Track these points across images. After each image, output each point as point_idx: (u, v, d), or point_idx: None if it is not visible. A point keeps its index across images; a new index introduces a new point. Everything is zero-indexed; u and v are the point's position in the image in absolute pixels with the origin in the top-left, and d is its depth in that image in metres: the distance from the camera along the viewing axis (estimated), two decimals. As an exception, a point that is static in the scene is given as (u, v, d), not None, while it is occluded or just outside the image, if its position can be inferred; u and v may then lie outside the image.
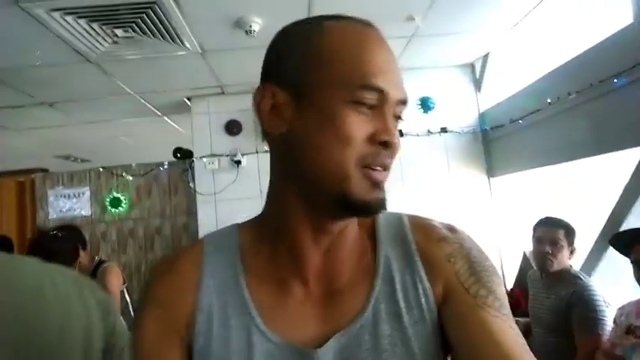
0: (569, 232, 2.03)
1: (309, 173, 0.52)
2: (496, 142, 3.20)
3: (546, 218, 2.12)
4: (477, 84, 3.37)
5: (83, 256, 2.35)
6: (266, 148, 2.69)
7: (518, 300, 2.82)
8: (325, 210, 0.54)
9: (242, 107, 3.26)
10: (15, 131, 3.71)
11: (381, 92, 0.51)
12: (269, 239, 0.59)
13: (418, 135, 3.18)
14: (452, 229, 0.64)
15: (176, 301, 0.57)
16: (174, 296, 0.57)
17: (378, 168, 0.51)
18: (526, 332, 2.19)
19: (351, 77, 0.50)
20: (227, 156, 3.28)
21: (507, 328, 0.52)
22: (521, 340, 0.52)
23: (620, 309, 1.80)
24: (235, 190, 3.26)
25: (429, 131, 3.21)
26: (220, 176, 3.29)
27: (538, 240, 2.09)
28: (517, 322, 1.94)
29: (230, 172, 3.28)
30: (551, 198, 2.90)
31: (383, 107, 0.51)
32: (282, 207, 0.57)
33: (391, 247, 0.60)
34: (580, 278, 1.96)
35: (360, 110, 0.50)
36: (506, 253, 3.20)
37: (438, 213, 2.59)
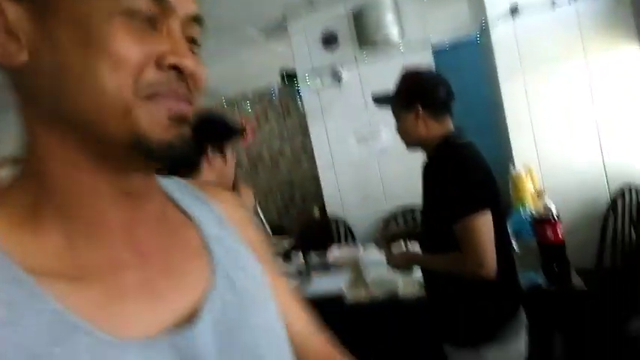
0: None
1: (78, 113, 0.39)
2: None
3: None
4: None
5: None
6: (372, 54, 2.61)
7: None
8: (116, 160, 0.41)
9: (334, 15, 3.17)
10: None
11: (160, 0, 0.40)
12: (54, 218, 0.41)
13: (539, 12, 2.65)
14: (231, 193, 0.61)
15: None
16: None
17: (169, 99, 0.41)
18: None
19: None
20: (328, 73, 3.26)
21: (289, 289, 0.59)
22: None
23: None
24: (340, 105, 3.28)
25: (552, 3, 2.63)
26: (325, 93, 3.32)
27: None
28: None
29: (333, 89, 3.28)
30: None
31: (167, 21, 0.41)
32: (58, 169, 0.41)
33: (198, 211, 0.52)
34: None
35: (133, 25, 0.39)
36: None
37: (579, 98, 2.29)
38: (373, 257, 2.35)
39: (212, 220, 0.53)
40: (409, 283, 2.02)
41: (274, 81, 3.51)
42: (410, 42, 3.08)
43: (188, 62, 0.40)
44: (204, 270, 0.47)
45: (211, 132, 1.35)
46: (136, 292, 0.42)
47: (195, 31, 0.43)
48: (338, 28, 3.20)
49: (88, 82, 0.38)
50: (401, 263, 1.55)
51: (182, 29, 0.42)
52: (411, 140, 1.49)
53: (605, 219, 2.62)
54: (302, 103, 3.42)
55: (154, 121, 0.39)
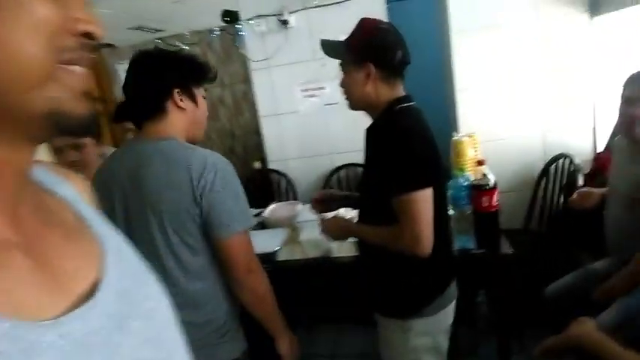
0: None
1: None
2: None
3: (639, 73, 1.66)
4: None
5: None
6: (316, 2, 2.38)
7: (604, 165, 2.45)
8: (20, 133, 0.39)
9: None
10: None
11: None
12: None
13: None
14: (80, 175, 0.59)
15: None
16: None
17: (81, 68, 0.40)
18: (600, 204, 1.93)
19: None
20: (274, 15, 3.01)
21: None
22: None
23: None
24: (286, 53, 3.07)
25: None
26: (270, 40, 3.09)
27: (627, 100, 1.66)
28: (591, 192, 1.69)
29: (279, 35, 3.05)
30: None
31: None
32: None
33: (62, 190, 0.51)
34: None
35: None
36: (601, 110, 2.71)
37: (526, 65, 2.26)
38: (311, 216, 2.29)
39: (77, 199, 0.52)
40: (344, 245, 1.99)
41: (215, 22, 3.21)
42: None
43: (99, 30, 0.40)
44: (93, 244, 0.48)
45: (177, 73, 1.23)
46: (32, 274, 0.39)
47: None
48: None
49: (3, 42, 0.34)
50: (335, 233, 1.48)
51: None
52: (355, 100, 1.37)
53: (537, 184, 2.72)
54: (245, 49, 3.17)
55: (72, 93, 0.39)
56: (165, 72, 1.21)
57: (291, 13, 2.97)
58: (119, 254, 0.49)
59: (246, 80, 3.33)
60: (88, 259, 0.45)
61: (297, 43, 3.05)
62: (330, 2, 2.93)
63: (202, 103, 1.29)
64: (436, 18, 2.87)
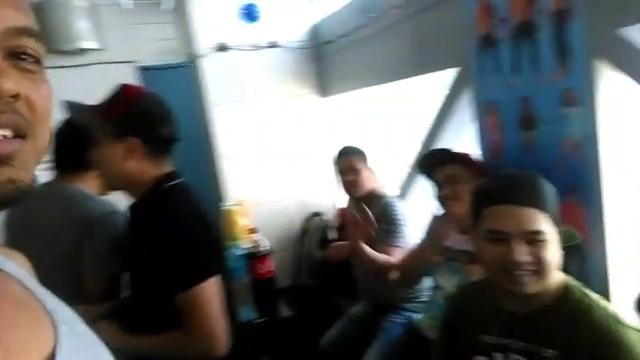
0: (363, 156, 2.13)
1: None
2: (328, 59, 3.02)
3: (343, 149, 2.17)
4: (310, -9, 3.05)
5: None
6: (59, 63, 2.11)
7: (346, 220, 2.87)
8: None
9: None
10: None
11: None
12: None
13: (244, 50, 2.80)
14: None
15: None
16: None
17: None
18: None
19: None
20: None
21: None
22: None
23: (429, 225, 1.85)
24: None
25: (256, 46, 2.84)
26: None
27: (340, 171, 2.14)
28: (342, 245, 1.85)
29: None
30: (384, 119, 2.91)
31: None
32: None
33: (5, 265, 0.49)
34: (383, 197, 2.08)
35: None
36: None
37: (277, 135, 2.45)
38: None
39: (23, 275, 0.49)
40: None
41: None
42: (112, 58, 2.72)
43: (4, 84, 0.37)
44: (45, 317, 0.46)
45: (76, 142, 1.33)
46: None
47: (24, 43, 0.40)
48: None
49: None
50: (108, 341, 1.20)
51: (2, 43, 0.39)
52: (113, 178, 1.18)
53: (300, 242, 2.97)
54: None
55: None
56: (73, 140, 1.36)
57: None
58: (72, 327, 0.47)
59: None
60: (40, 331, 0.44)
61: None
62: (70, 64, 2.61)
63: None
64: (193, 89, 2.91)
